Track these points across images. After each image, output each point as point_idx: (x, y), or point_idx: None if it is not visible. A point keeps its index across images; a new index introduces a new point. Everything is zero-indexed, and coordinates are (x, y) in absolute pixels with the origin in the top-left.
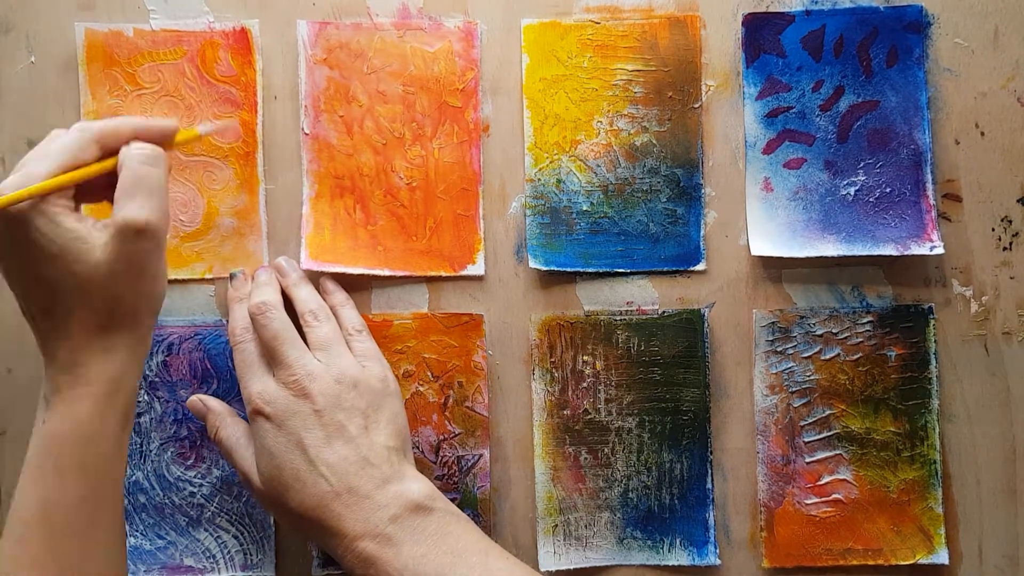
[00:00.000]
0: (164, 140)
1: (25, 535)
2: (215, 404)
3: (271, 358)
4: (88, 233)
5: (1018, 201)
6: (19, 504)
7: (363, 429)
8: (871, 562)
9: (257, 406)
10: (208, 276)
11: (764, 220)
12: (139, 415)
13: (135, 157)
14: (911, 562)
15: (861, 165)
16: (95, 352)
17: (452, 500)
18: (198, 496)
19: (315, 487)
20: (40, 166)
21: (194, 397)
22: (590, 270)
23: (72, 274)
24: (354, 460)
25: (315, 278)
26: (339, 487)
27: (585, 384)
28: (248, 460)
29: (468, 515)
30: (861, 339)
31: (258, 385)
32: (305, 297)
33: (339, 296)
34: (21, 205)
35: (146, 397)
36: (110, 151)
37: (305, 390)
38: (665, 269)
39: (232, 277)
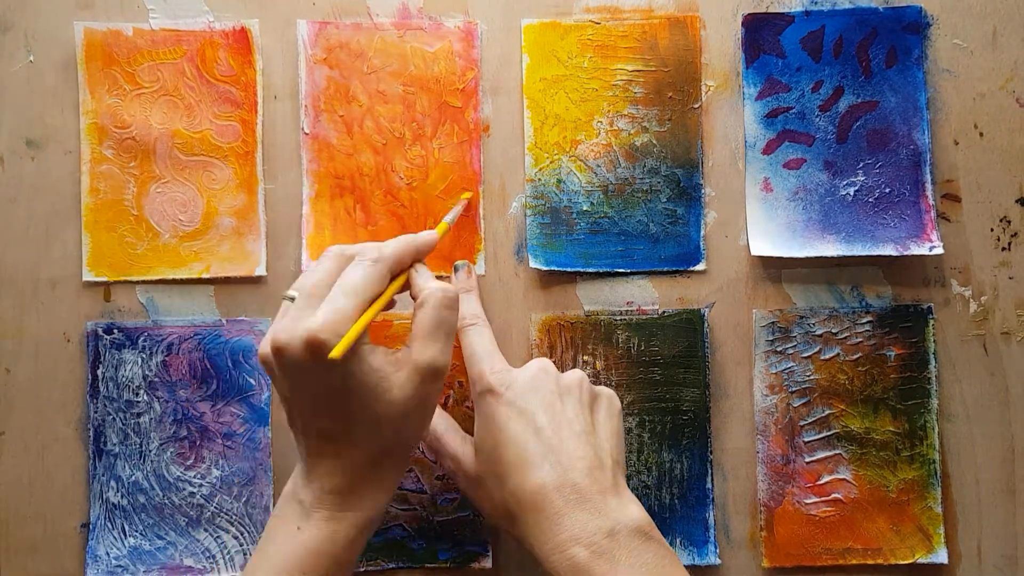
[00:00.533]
0: (431, 249)
1: None
2: None
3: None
4: (390, 372)
5: (1017, 201)
6: None
7: (593, 429)
8: (870, 561)
9: (491, 384)
10: (206, 276)
11: (764, 220)
12: (138, 415)
13: (439, 301)
14: (910, 561)
15: (860, 165)
16: (371, 482)
17: (453, 499)
18: (198, 496)
19: (539, 471)
20: (347, 303)
21: None
22: (590, 270)
23: (369, 409)
24: (581, 456)
25: None
26: (562, 480)
27: None
28: (459, 443)
29: (468, 515)
30: (861, 339)
31: (494, 364)
32: None
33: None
34: (334, 342)
35: (145, 397)
36: (396, 275)
37: (548, 373)
38: (665, 269)
39: (456, 269)
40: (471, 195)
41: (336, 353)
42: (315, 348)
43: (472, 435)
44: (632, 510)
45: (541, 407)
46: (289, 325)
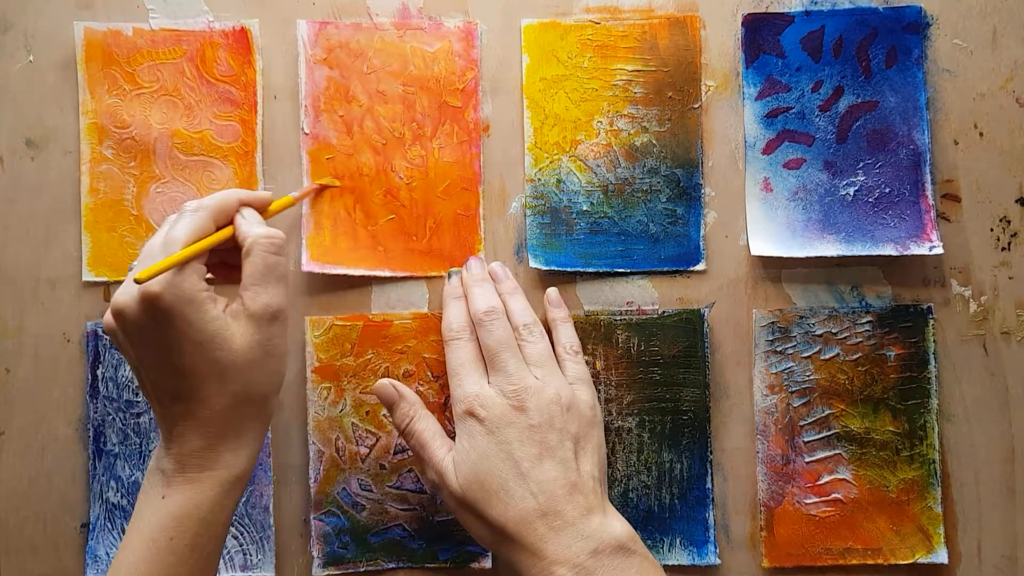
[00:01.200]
0: (262, 209)
1: None
2: (409, 393)
3: (490, 364)
4: (228, 322)
5: (1016, 201)
6: (127, 572)
7: (572, 454)
8: (870, 561)
9: (472, 407)
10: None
11: (764, 220)
12: (138, 415)
13: (264, 247)
14: (910, 561)
15: (860, 165)
16: (228, 439)
17: None
18: None
19: (521, 502)
20: (170, 249)
21: (385, 381)
22: (590, 270)
23: (214, 361)
24: (563, 483)
25: (319, 280)
26: (545, 507)
27: None
28: (443, 456)
29: None
30: (860, 339)
31: (475, 387)
32: (520, 309)
33: (561, 312)
34: (170, 297)
35: (145, 397)
36: (222, 226)
37: (523, 403)
38: (665, 269)
39: (450, 275)
40: (336, 185)
41: (141, 276)
42: (150, 302)
43: (434, 450)
44: (615, 527)
45: (520, 437)
46: (124, 288)
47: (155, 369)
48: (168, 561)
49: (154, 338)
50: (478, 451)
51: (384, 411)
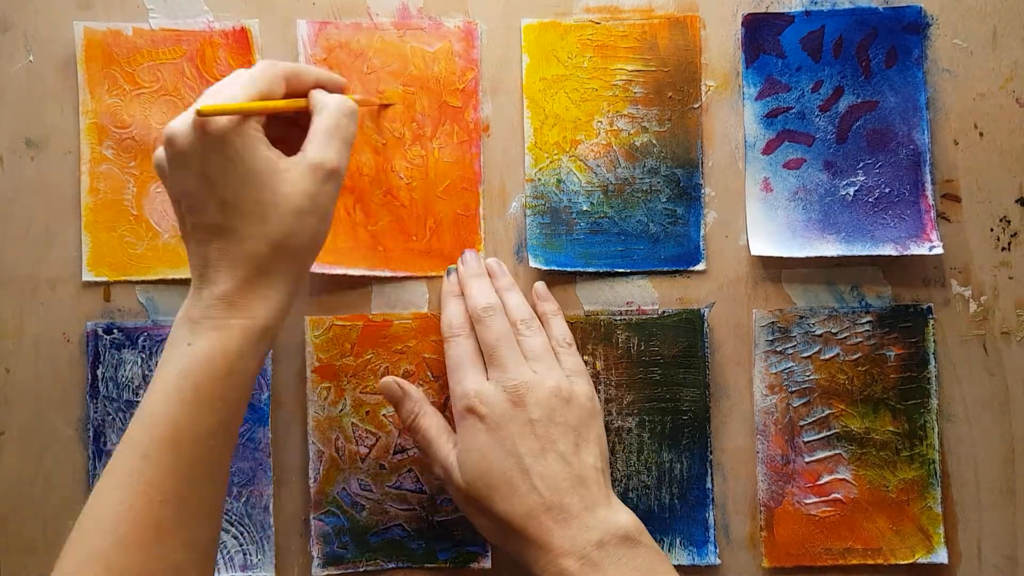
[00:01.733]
0: (337, 90)
1: (150, 452)
2: (413, 391)
3: (489, 360)
4: (280, 164)
5: (1017, 201)
6: (148, 420)
7: (574, 447)
8: (870, 561)
9: (472, 404)
10: None
11: (764, 220)
12: None
13: (339, 107)
14: (910, 561)
15: (860, 165)
16: (259, 286)
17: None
18: None
19: (527, 497)
20: (236, 92)
21: (389, 379)
22: (590, 270)
23: (257, 200)
24: (566, 476)
25: (319, 280)
26: (550, 501)
27: None
28: (449, 452)
29: None
30: (860, 339)
31: (475, 384)
32: (516, 304)
33: (551, 305)
34: (223, 123)
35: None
36: (294, 93)
37: (523, 398)
38: (665, 269)
39: (448, 272)
40: (395, 99)
41: (205, 108)
42: (202, 124)
43: (439, 446)
44: (620, 518)
45: (521, 432)
46: (181, 116)
47: (197, 201)
48: (192, 409)
49: (201, 167)
50: (480, 448)
51: (384, 411)
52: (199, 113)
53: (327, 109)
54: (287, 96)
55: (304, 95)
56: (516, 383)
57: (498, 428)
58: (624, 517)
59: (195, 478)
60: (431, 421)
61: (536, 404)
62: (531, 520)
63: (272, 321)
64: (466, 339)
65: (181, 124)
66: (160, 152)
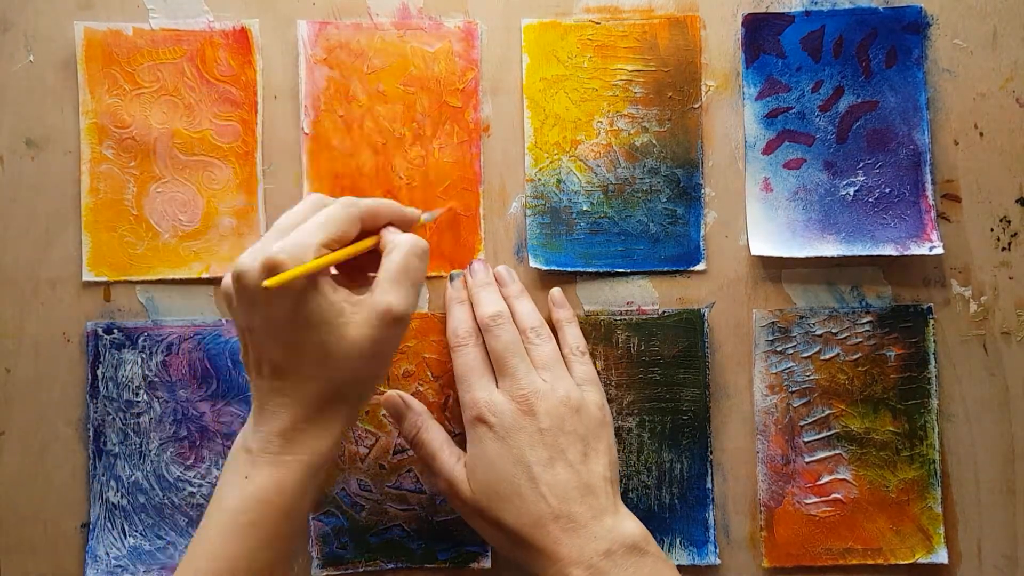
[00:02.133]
0: (408, 226)
1: None
2: (416, 405)
3: (499, 369)
4: (347, 309)
5: (1017, 201)
6: (206, 552)
7: (583, 456)
8: (871, 561)
9: (481, 414)
10: (205, 276)
11: (764, 220)
12: (138, 415)
13: (411, 249)
14: (910, 561)
15: (860, 165)
16: (317, 424)
17: None
18: (197, 496)
19: (534, 506)
20: (311, 236)
21: (393, 393)
22: (590, 270)
23: (321, 344)
24: (575, 486)
25: None
26: (558, 510)
27: None
28: (453, 465)
29: None
30: (860, 339)
31: (484, 393)
32: (526, 312)
33: (566, 312)
34: (292, 266)
35: (145, 397)
36: (367, 231)
37: (532, 407)
38: (665, 269)
39: (452, 278)
40: (455, 206)
41: (271, 282)
42: (271, 270)
43: (443, 459)
44: (628, 527)
45: (531, 442)
46: (252, 252)
47: (262, 339)
48: (249, 545)
49: (266, 309)
50: (489, 457)
51: (384, 411)
52: (265, 287)
53: (397, 250)
54: (361, 231)
55: (377, 231)
56: (525, 392)
57: (507, 437)
58: (631, 526)
59: None
60: (433, 435)
61: (546, 413)
62: (538, 529)
63: (328, 457)
64: (474, 347)
65: (251, 263)
66: (227, 281)
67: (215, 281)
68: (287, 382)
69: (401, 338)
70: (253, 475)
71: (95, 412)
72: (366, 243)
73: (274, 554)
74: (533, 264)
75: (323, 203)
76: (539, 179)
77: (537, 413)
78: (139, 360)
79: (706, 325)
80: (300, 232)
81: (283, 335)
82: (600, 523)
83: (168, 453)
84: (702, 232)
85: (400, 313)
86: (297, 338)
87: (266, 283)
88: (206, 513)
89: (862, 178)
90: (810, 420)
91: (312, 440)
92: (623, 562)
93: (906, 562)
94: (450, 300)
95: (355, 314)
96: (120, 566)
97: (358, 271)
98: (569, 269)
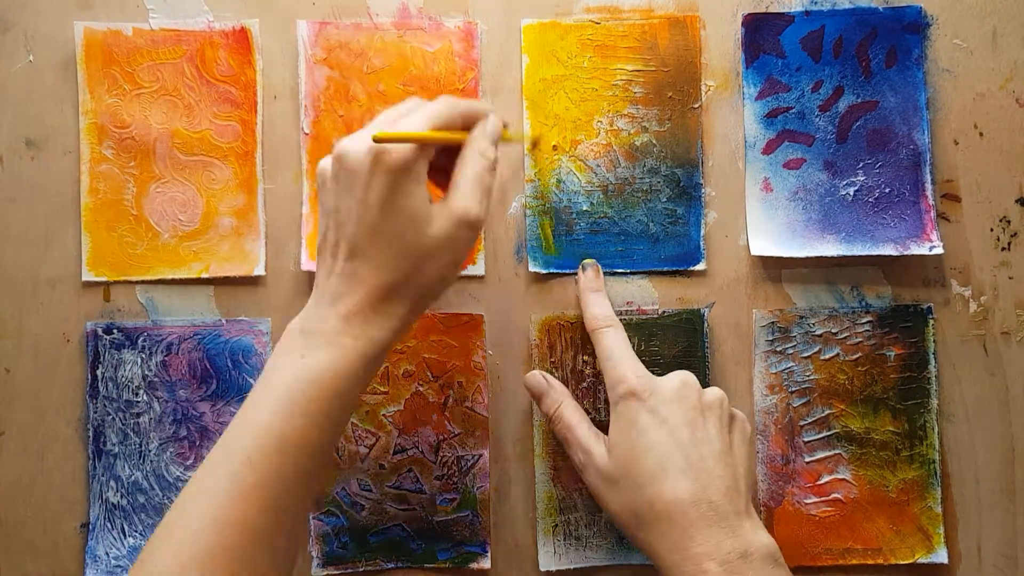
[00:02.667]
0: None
1: (253, 458)
2: (557, 384)
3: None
4: (431, 212)
5: (1016, 201)
6: (253, 427)
7: (729, 450)
8: (870, 561)
9: (634, 387)
10: (205, 276)
11: (764, 220)
12: (138, 415)
13: (485, 163)
14: (910, 561)
15: (860, 165)
16: (380, 312)
17: (452, 499)
18: None
19: (679, 483)
20: (415, 124)
21: (536, 372)
22: None
23: (402, 235)
24: (720, 475)
25: None
26: (700, 495)
27: (585, 384)
28: (592, 438)
29: (467, 515)
30: (860, 339)
31: (635, 368)
32: None
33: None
34: (399, 156)
35: (145, 397)
36: (462, 130)
37: (689, 387)
38: (665, 269)
39: (584, 268)
40: (536, 138)
41: (381, 134)
42: (376, 153)
43: (581, 432)
44: (763, 536)
45: (684, 420)
46: (357, 134)
47: (348, 219)
48: (300, 422)
49: (364, 190)
50: (638, 429)
51: (384, 411)
52: (375, 139)
53: (473, 160)
54: (457, 126)
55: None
56: (682, 374)
57: (658, 411)
58: (767, 537)
59: (293, 490)
60: (572, 412)
61: (704, 397)
62: (678, 509)
63: (385, 347)
64: (617, 329)
65: (355, 144)
66: (325, 163)
67: (215, 281)
68: (360, 265)
69: (472, 245)
70: (308, 355)
71: (95, 412)
72: (462, 135)
73: (322, 434)
74: (532, 268)
75: (424, 103)
76: (539, 179)
77: (692, 394)
78: (139, 360)
79: (706, 325)
80: (404, 124)
81: (369, 216)
82: (739, 521)
83: (168, 453)
84: (702, 232)
85: (475, 217)
86: (382, 223)
87: (375, 134)
88: (250, 394)
89: (862, 178)
90: (810, 420)
91: (372, 328)
92: (761, 568)
93: (906, 562)
94: (584, 289)
95: (437, 214)
96: (120, 566)
97: (440, 177)
98: (569, 272)
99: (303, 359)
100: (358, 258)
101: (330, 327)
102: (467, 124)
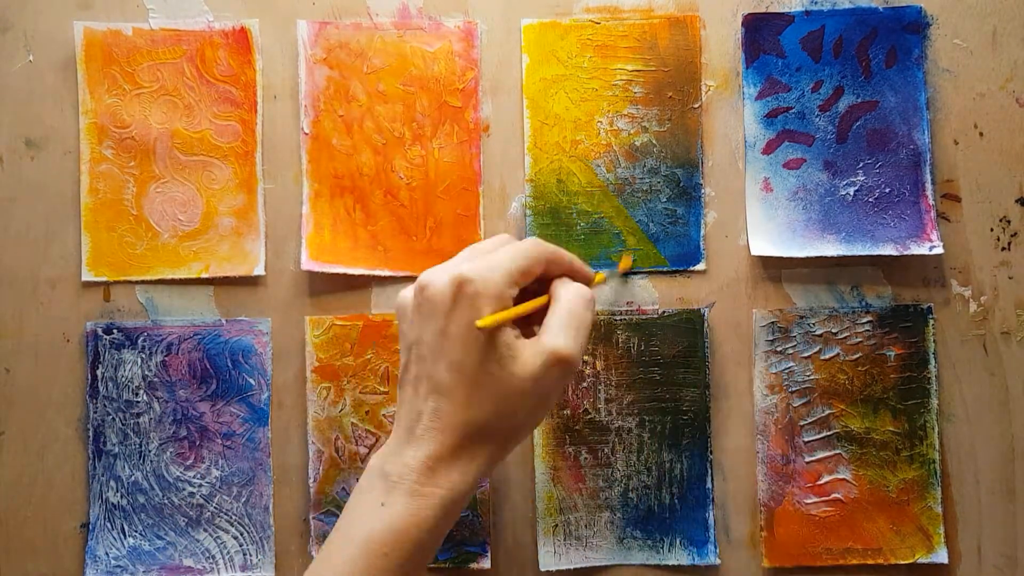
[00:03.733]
0: (586, 282)
1: None
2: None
3: None
4: (518, 345)
5: (1016, 201)
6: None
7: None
8: (870, 561)
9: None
10: (205, 275)
11: (764, 220)
12: (138, 415)
13: (582, 298)
14: (910, 561)
15: (860, 165)
16: (463, 456)
17: None
18: (197, 496)
19: None
20: (501, 264)
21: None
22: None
23: (488, 372)
24: None
25: (319, 280)
26: None
27: (585, 384)
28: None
29: (467, 515)
30: (860, 339)
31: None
32: None
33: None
34: (480, 289)
35: (145, 397)
36: (548, 275)
37: None
38: (665, 269)
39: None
40: (627, 258)
41: (483, 322)
42: (459, 284)
43: None
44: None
45: None
46: (440, 268)
47: (429, 353)
48: (379, 574)
49: (445, 323)
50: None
51: (384, 411)
52: (478, 327)
53: (570, 298)
54: (541, 278)
55: (552, 279)
56: None
57: None
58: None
59: None
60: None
61: None
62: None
63: (468, 494)
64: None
65: (438, 277)
66: (405, 294)
67: (214, 281)
68: (443, 402)
69: (565, 387)
70: (388, 503)
71: (95, 412)
72: (544, 299)
73: None
74: None
75: (512, 239)
76: (539, 179)
77: None
78: (139, 360)
79: (706, 325)
80: (491, 258)
81: (453, 353)
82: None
83: (168, 453)
84: (702, 232)
85: (566, 355)
86: (465, 357)
87: (479, 323)
88: (331, 537)
89: (862, 178)
90: (810, 420)
91: (455, 474)
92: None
93: (906, 562)
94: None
95: (525, 352)
96: (120, 566)
97: (526, 323)
98: None
99: (383, 507)
100: (440, 395)
101: (411, 474)
102: (552, 268)
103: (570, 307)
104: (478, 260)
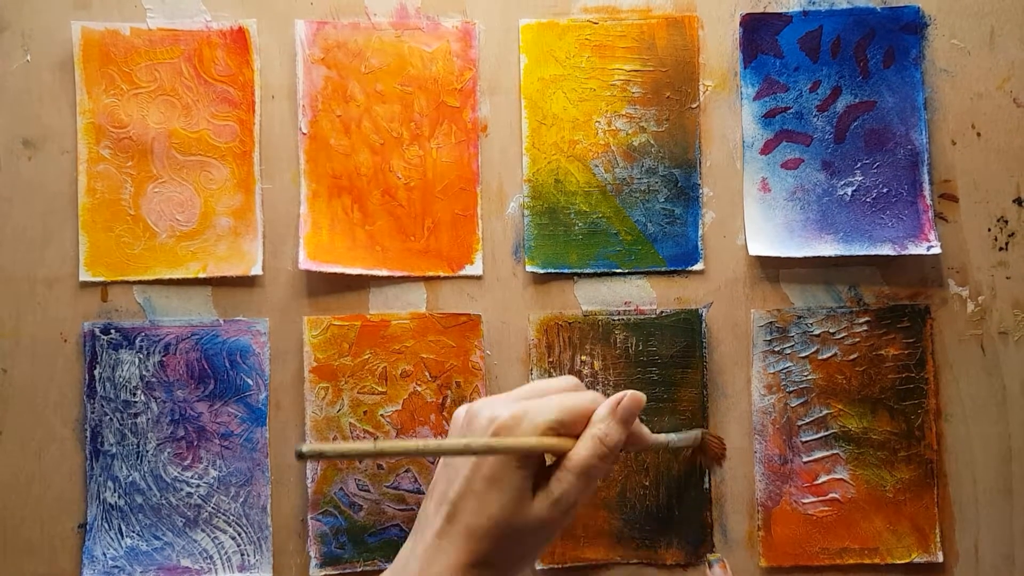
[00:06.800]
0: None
1: None
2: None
3: None
4: (528, 485)
5: (1014, 201)
6: None
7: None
8: (868, 561)
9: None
10: (202, 275)
11: (762, 220)
12: (135, 415)
13: (602, 446)
14: (907, 561)
15: (858, 165)
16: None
17: None
18: (195, 496)
19: None
20: (543, 415)
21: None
22: (588, 271)
23: (501, 509)
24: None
25: (317, 280)
26: None
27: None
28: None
29: None
30: (858, 339)
31: None
32: None
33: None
34: (511, 424)
35: (143, 397)
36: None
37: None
38: (663, 269)
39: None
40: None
41: (506, 449)
42: (496, 429)
43: None
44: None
45: None
46: (495, 399)
47: (455, 478)
48: None
49: (477, 457)
50: None
51: (382, 411)
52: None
53: (589, 449)
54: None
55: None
56: None
57: None
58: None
59: None
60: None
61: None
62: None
63: None
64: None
65: (485, 410)
66: (462, 411)
67: (212, 281)
68: (457, 528)
69: (564, 526)
70: None
71: (92, 412)
72: (566, 444)
73: None
74: (530, 268)
75: (578, 387)
76: (537, 179)
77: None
78: (136, 360)
79: (704, 325)
80: (540, 404)
81: (476, 485)
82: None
83: (165, 453)
84: (700, 232)
85: (571, 505)
86: (486, 493)
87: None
88: None
89: (860, 178)
90: (808, 420)
91: None
92: None
93: (903, 562)
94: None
95: (538, 491)
96: (117, 567)
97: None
98: (567, 271)
99: None
100: (456, 521)
101: None
102: (585, 420)
103: (584, 461)
104: (530, 403)
